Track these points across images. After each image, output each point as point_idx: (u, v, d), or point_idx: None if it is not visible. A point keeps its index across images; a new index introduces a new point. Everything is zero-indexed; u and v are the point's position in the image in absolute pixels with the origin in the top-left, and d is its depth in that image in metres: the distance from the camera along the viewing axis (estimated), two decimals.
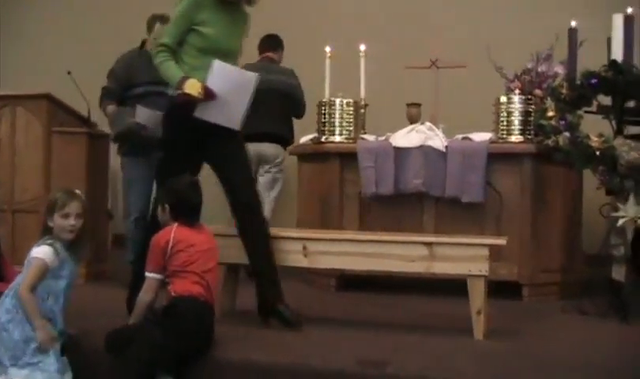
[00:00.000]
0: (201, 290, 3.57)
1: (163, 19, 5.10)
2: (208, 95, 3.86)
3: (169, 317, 3.45)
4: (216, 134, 3.98)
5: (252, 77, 3.98)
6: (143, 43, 5.40)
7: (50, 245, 3.40)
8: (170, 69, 3.99)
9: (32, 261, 3.37)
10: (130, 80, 5.26)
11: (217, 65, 3.89)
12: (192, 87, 3.86)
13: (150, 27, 5.33)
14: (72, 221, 3.44)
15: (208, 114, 3.91)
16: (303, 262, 4.22)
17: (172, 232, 3.60)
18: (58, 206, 3.45)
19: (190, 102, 3.87)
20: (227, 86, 3.90)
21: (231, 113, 3.95)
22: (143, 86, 5.16)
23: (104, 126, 5.77)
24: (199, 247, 3.63)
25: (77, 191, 3.60)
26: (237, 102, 3.94)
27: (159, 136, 4.67)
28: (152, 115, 4.89)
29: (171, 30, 4.10)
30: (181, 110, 3.94)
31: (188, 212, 3.71)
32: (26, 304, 3.32)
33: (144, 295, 3.59)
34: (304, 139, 5.76)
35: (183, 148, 4.05)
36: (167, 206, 3.73)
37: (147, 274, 3.62)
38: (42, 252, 3.38)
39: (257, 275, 4.11)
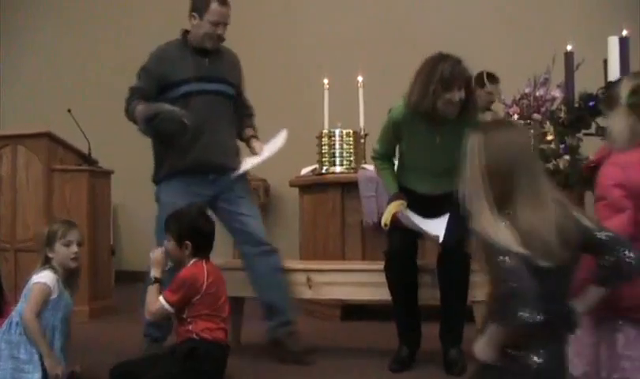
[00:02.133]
0: (223, 336, 3.51)
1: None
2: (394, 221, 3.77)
3: (190, 358, 3.38)
4: None
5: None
6: (185, 32, 4.25)
7: (53, 271, 3.39)
8: (386, 183, 3.95)
9: (35, 287, 3.34)
10: (167, 78, 4.09)
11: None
12: (388, 213, 3.78)
13: (205, 8, 4.11)
14: (75, 248, 3.43)
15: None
16: (307, 294, 4.22)
17: (205, 271, 3.46)
18: (59, 235, 3.43)
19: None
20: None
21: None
22: (185, 84, 4.08)
23: (105, 163, 5.79)
24: (223, 287, 3.57)
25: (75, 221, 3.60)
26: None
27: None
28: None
29: (379, 137, 3.94)
30: None
31: (207, 244, 3.57)
32: (32, 330, 3.28)
33: (150, 307, 3.48)
34: (305, 170, 5.76)
35: None
36: (188, 243, 3.51)
37: (165, 303, 3.42)
38: (45, 277, 3.36)
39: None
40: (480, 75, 5.71)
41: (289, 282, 4.17)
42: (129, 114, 4.12)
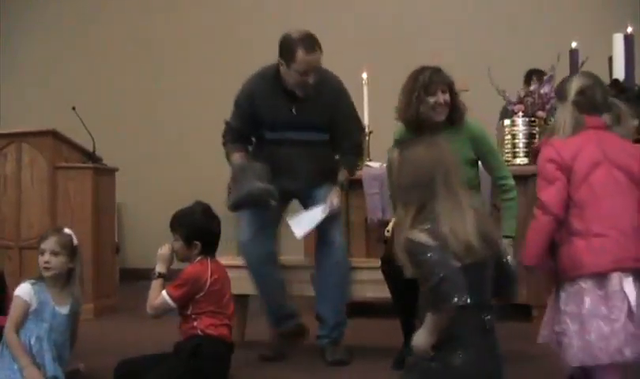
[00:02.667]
0: (227, 332, 3.52)
1: (306, 42, 3.84)
2: None
3: (195, 357, 3.38)
4: None
5: None
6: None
7: (31, 284, 3.36)
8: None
9: (13, 301, 3.34)
10: (257, 118, 3.95)
11: None
12: (392, 222, 3.85)
13: (291, 57, 3.83)
14: (46, 257, 3.36)
15: None
16: (311, 291, 4.21)
17: (209, 269, 3.48)
18: (39, 243, 3.42)
19: None
20: None
21: None
22: (272, 131, 3.95)
23: (109, 161, 5.79)
24: (228, 285, 3.58)
25: (65, 230, 3.48)
26: None
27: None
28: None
29: None
30: None
31: (214, 243, 3.59)
32: (10, 344, 3.27)
33: (152, 303, 3.46)
34: None
35: None
36: (197, 243, 3.53)
37: (168, 298, 3.43)
38: (21, 290, 3.34)
39: None
40: (529, 73, 5.69)
41: (345, 298, 4.11)
42: (226, 154, 4.05)
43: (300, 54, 3.79)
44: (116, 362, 3.49)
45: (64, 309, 3.40)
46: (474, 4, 7.15)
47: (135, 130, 7.84)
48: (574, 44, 4.83)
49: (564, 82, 3.17)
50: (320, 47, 3.88)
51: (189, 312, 3.47)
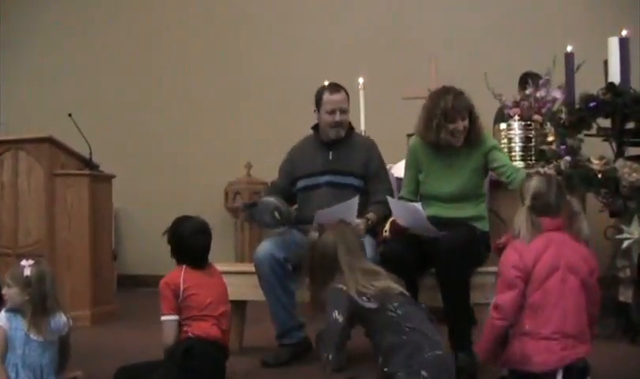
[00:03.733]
0: (218, 333, 3.57)
1: (331, 86, 4.37)
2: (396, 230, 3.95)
3: (188, 358, 3.43)
4: None
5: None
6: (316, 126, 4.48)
7: (5, 311, 3.39)
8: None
9: None
10: (294, 173, 4.42)
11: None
12: (388, 222, 4.00)
13: (319, 101, 4.38)
14: (3, 290, 3.44)
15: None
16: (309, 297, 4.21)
17: (181, 276, 3.56)
18: None
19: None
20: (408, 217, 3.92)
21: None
22: (305, 178, 4.37)
23: (106, 167, 5.79)
24: (211, 290, 3.61)
25: (22, 262, 3.44)
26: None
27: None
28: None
29: (404, 177, 4.23)
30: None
31: (192, 257, 3.65)
32: None
33: (167, 340, 3.53)
34: None
35: None
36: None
37: (164, 318, 3.54)
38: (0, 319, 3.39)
39: None
40: (524, 76, 5.70)
41: None
42: None
43: (326, 95, 4.33)
44: (115, 369, 3.51)
45: (40, 337, 3.38)
46: (470, 8, 7.16)
47: (132, 137, 7.83)
48: (569, 47, 4.84)
49: (524, 183, 3.35)
50: (345, 90, 4.39)
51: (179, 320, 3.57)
